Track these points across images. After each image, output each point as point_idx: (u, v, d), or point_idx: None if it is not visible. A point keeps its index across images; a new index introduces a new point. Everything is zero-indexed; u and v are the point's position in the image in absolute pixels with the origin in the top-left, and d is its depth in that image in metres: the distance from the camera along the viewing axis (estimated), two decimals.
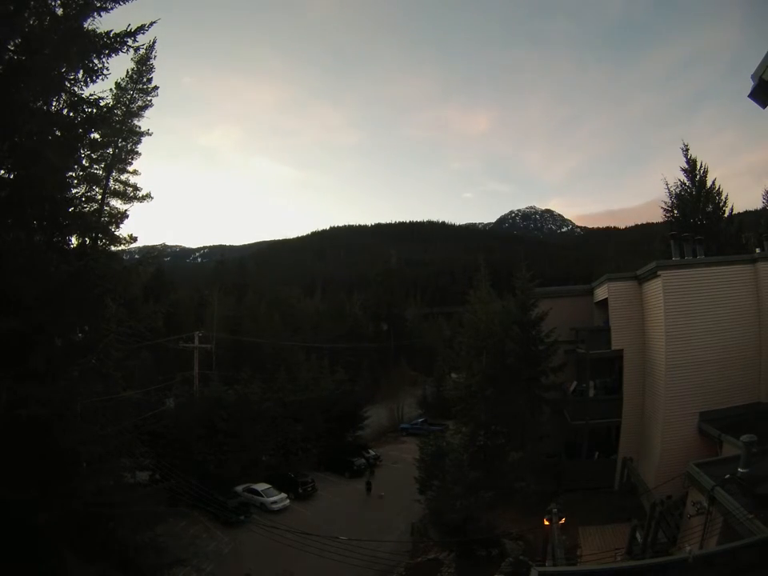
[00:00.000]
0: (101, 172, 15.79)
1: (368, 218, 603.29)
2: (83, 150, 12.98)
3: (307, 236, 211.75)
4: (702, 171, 27.46)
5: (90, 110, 11.61)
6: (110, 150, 16.06)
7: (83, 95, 11.44)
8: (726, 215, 27.35)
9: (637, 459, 18.76)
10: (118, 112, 15.88)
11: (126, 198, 17.07)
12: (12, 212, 10.65)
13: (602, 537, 15.79)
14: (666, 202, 28.56)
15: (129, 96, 16.58)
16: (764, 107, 7.45)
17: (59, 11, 10.83)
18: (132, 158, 17.05)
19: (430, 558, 18.45)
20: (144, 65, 16.59)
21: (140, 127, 16.98)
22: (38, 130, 10.86)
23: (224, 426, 25.09)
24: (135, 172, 17.22)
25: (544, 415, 20.93)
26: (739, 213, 30.60)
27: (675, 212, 28.11)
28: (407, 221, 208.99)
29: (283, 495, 24.59)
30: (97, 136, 13.28)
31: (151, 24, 12.12)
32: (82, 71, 11.29)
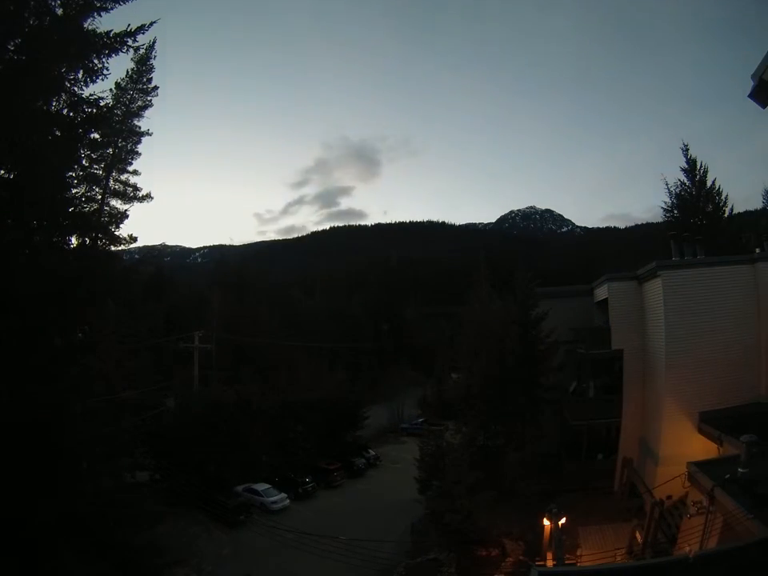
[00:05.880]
0: (101, 172, 15.82)
1: (368, 218, 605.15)
2: (83, 150, 13.01)
3: (307, 236, 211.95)
4: (701, 171, 27.53)
5: (90, 109, 11.63)
6: (110, 150, 16.09)
7: (83, 95, 11.48)
8: (726, 215, 27.40)
9: (637, 459, 18.76)
10: (118, 112, 15.93)
11: (126, 198, 17.11)
12: (12, 212, 10.67)
13: (601, 537, 15.79)
14: (666, 202, 28.65)
15: (129, 96, 16.61)
16: (764, 107, 7.47)
17: (59, 11, 10.85)
18: (132, 158, 17.11)
19: (430, 558, 18.44)
20: (144, 65, 16.63)
21: (140, 127, 17.05)
22: (38, 130, 10.86)
23: (224, 426, 25.10)
24: (135, 172, 17.28)
25: (544, 415, 20.91)
26: (739, 213, 30.68)
27: (675, 212, 28.16)
28: (407, 221, 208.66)
29: (283, 495, 24.60)
30: (97, 136, 13.31)
31: (151, 24, 12.16)
32: (81, 71, 11.31)
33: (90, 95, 11.56)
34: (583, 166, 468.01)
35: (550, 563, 13.93)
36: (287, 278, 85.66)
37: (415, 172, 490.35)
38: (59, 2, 10.81)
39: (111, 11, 11.41)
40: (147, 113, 16.94)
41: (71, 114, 11.61)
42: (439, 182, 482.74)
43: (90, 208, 14.44)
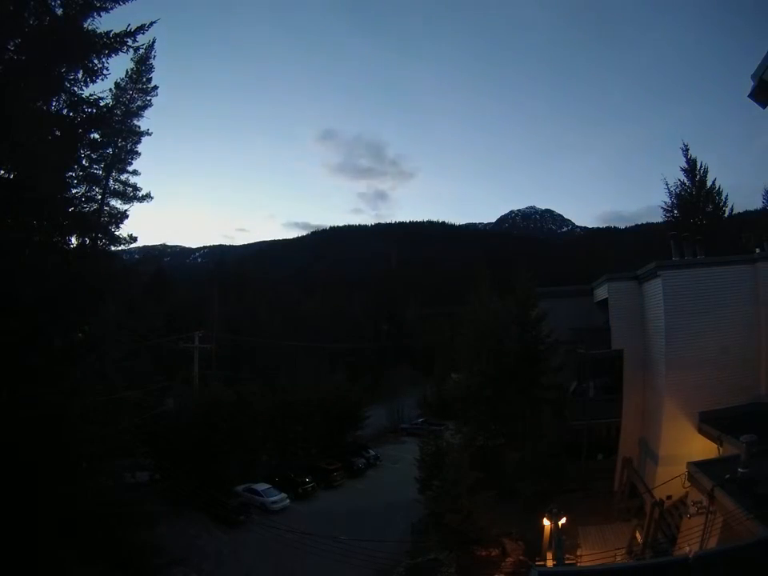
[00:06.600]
0: (101, 172, 15.82)
1: (368, 218, 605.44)
2: (83, 150, 13.04)
3: (307, 236, 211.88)
4: (701, 171, 27.54)
5: (89, 110, 11.65)
6: (110, 150, 16.09)
7: (83, 95, 11.50)
8: (725, 215, 27.41)
9: (637, 459, 18.76)
10: (118, 112, 15.91)
11: (126, 197, 17.11)
12: (12, 212, 10.67)
13: (602, 537, 15.79)
14: (666, 202, 28.68)
15: (128, 96, 16.61)
16: (764, 107, 7.47)
17: (59, 11, 10.86)
18: (132, 158, 17.11)
19: (430, 558, 18.44)
20: (143, 65, 16.64)
21: (140, 127, 17.04)
22: (38, 130, 10.86)
23: (224, 426, 25.09)
24: (135, 172, 17.28)
25: (544, 415, 20.90)
26: (739, 213, 30.68)
27: (675, 212, 28.18)
28: (407, 221, 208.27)
29: (283, 495, 24.58)
30: (97, 136, 13.32)
31: (151, 24, 12.18)
32: (81, 71, 11.33)
33: (90, 95, 11.59)
34: (584, 166, 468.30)
35: (549, 563, 13.95)
36: (287, 278, 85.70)
37: (413, 172, 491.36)
38: (59, 2, 10.82)
39: (111, 11, 11.43)
40: (147, 113, 16.97)
41: (71, 113, 11.63)
42: (439, 181, 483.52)
43: (90, 208, 14.46)
